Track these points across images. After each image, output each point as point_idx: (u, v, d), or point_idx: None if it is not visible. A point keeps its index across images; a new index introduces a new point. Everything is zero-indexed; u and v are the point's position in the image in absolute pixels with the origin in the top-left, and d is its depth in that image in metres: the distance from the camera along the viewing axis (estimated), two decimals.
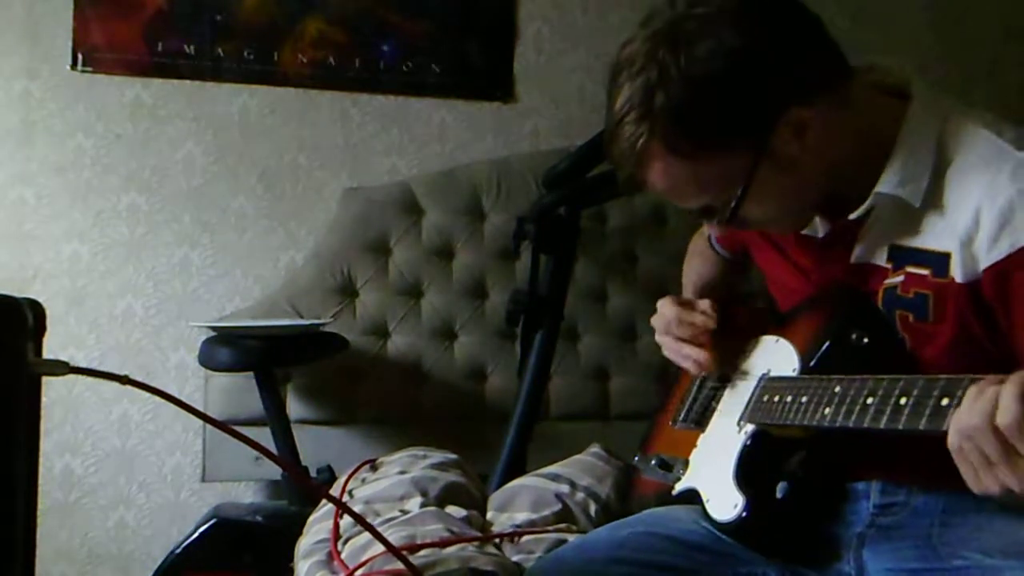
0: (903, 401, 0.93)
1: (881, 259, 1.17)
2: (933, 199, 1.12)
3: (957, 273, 1.09)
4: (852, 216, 1.17)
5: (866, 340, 1.15)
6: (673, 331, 1.39)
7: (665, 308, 1.42)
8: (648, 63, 1.10)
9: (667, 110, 1.09)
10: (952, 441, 0.90)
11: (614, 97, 1.14)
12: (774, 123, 1.10)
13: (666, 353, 1.44)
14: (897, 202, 1.13)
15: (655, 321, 1.43)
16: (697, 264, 1.60)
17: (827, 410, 1.05)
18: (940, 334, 1.12)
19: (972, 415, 0.88)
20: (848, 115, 1.14)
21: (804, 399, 1.11)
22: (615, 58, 1.15)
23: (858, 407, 1.00)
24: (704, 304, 1.40)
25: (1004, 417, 0.86)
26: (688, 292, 1.57)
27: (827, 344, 1.18)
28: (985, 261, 1.06)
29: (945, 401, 0.90)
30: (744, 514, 1.18)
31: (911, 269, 1.13)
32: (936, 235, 1.11)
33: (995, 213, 1.05)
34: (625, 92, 1.12)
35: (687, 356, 1.37)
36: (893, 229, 1.16)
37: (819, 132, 1.11)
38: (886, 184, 1.13)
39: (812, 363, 1.18)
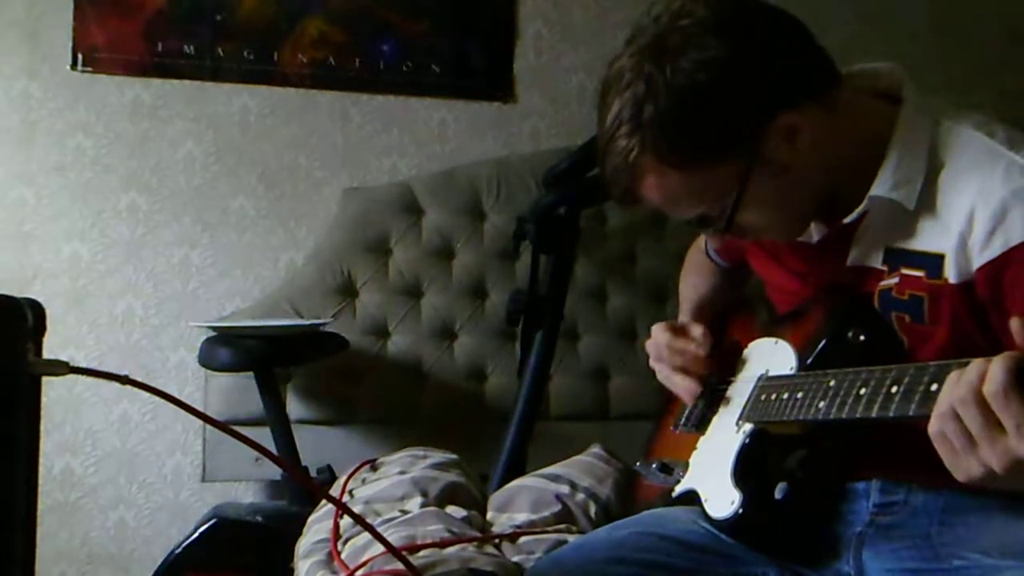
0: (894, 389, 0.94)
1: (876, 261, 1.18)
2: (927, 201, 1.12)
3: (951, 274, 1.09)
4: (847, 220, 1.17)
5: (863, 338, 1.16)
6: (665, 358, 1.39)
7: (658, 334, 1.42)
8: (635, 78, 1.10)
9: (656, 122, 1.09)
10: (933, 426, 0.89)
11: (603, 114, 1.14)
12: (764, 130, 1.10)
13: (660, 379, 1.45)
14: (891, 205, 1.13)
15: (649, 347, 1.44)
16: (693, 279, 1.59)
17: (821, 403, 1.06)
18: (936, 336, 1.12)
19: (956, 388, 0.87)
20: (838, 119, 1.15)
21: (800, 395, 1.12)
22: (603, 77, 1.16)
23: (851, 398, 1.00)
24: (697, 331, 1.40)
25: (990, 385, 0.84)
26: (684, 310, 1.57)
27: (824, 342, 1.18)
28: (978, 261, 1.07)
29: (935, 387, 0.90)
30: (741, 510, 1.18)
31: (906, 271, 1.14)
32: (930, 237, 1.12)
33: (988, 214, 1.05)
34: (615, 107, 1.12)
35: (677, 384, 1.38)
36: (888, 231, 1.16)
37: (810, 136, 1.12)
38: (880, 187, 1.13)
39: (809, 361, 1.19)
